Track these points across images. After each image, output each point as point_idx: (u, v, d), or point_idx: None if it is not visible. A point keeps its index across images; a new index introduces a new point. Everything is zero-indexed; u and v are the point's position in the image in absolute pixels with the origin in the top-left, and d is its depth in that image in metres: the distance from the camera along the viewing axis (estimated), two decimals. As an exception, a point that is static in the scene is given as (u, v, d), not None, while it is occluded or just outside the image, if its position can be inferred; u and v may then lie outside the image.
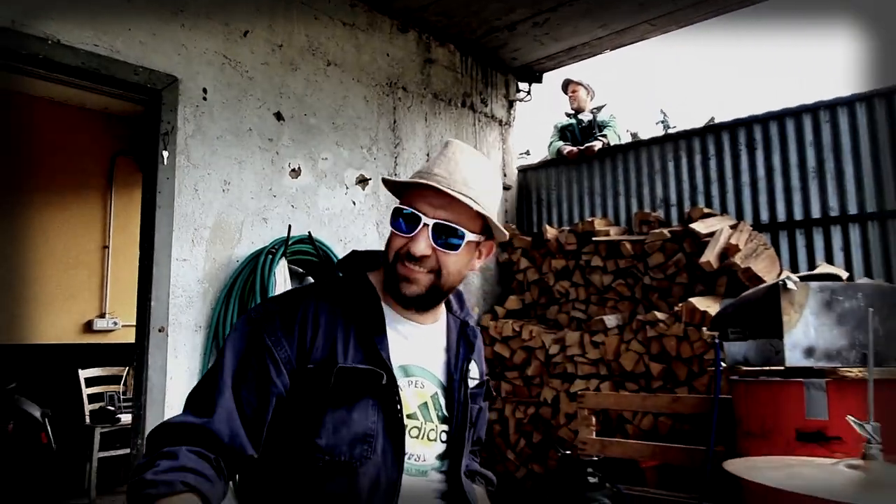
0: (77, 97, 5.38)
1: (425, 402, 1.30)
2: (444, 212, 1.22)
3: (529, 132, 5.72)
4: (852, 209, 3.77)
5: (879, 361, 2.06)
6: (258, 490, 1.23)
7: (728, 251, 3.73)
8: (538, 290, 4.77)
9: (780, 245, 4.00)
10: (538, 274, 4.77)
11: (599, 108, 5.25)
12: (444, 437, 1.31)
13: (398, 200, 1.29)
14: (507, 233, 1.32)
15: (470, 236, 1.24)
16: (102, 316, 5.67)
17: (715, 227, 3.93)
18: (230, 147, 3.38)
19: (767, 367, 2.17)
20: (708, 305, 3.55)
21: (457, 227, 1.22)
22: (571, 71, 5.37)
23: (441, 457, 1.30)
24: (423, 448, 1.27)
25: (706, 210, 4.21)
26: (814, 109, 3.96)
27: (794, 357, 2.07)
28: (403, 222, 1.23)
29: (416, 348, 1.32)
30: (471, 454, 1.60)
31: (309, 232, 3.50)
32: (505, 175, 5.25)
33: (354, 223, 3.95)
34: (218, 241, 3.30)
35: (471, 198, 1.21)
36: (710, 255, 3.72)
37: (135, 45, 3.06)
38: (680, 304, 3.72)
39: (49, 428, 4.49)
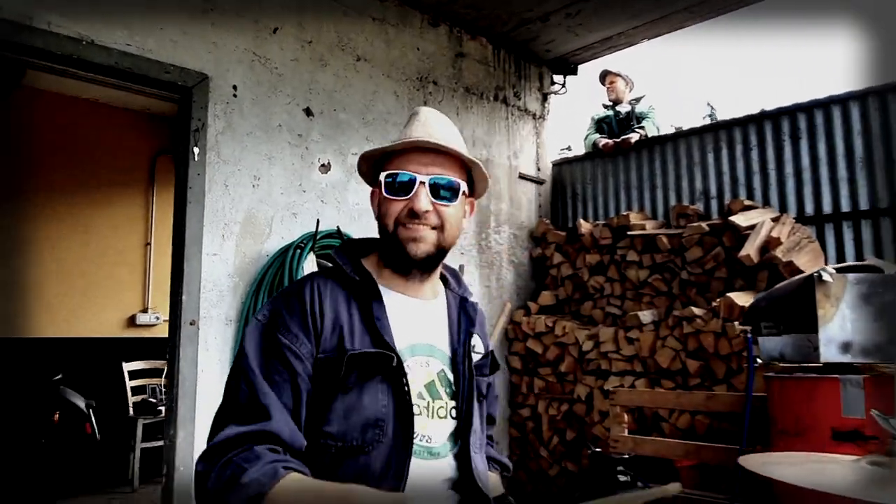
0: (120, 98, 5.54)
1: (432, 381, 1.29)
2: (435, 167, 1.26)
3: (567, 125, 5.62)
4: (904, 200, 3.58)
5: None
6: None
7: (769, 244, 3.58)
8: (572, 286, 4.69)
9: (825, 238, 3.82)
10: (572, 269, 4.69)
11: (638, 100, 5.13)
12: (454, 413, 1.30)
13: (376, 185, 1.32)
14: (489, 179, 1.39)
15: (463, 186, 1.29)
16: (145, 311, 5.84)
17: (756, 219, 3.79)
18: (260, 143, 3.42)
19: (803, 364, 2.06)
20: (747, 300, 3.41)
21: (451, 178, 1.27)
22: (609, 62, 5.27)
23: (453, 435, 1.28)
24: (434, 427, 1.26)
25: (747, 202, 4.06)
26: (862, 97, 3.77)
27: (829, 352, 1.96)
28: (397, 187, 1.26)
29: (420, 326, 1.32)
30: (488, 438, 1.58)
31: (337, 226, 3.51)
32: (539, 169, 5.17)
33: (384, 218, 3.94)
34: (248, 236, 3.34)
35: (456, 150, 1.27)
36: (749, 249, 3.58)
37: (166, 43, 3.12)
38: (718, 300, 3.60)
39: (93, 418, 4.64)
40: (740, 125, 4.29)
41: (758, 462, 1.06)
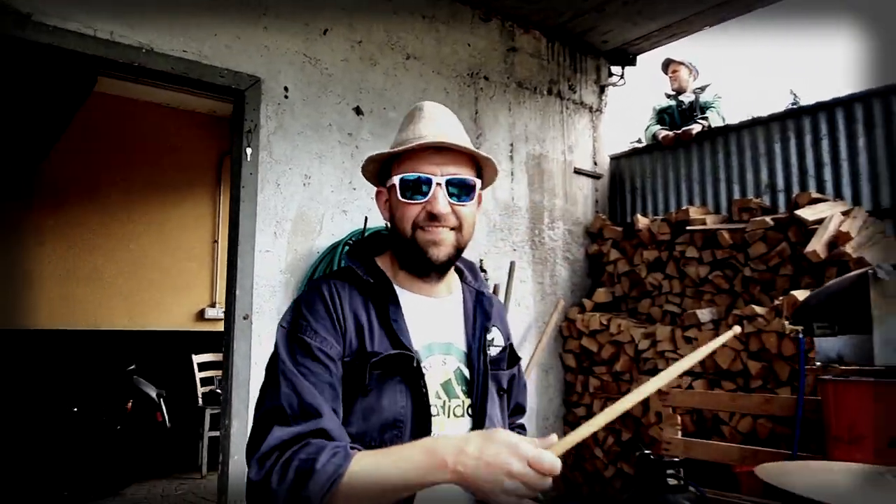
0: (189, 102, 5.81)
1: (448, 379, 1.29)
2: (449, 167, 1.24)
3: (628, 118, 5.47)
4: None
5: None
6: None
7: (838, 240, 3.37)
8: (629, 283, 4.56)
9: (903, 233, 3.56)
10: (629, 266, 4.57)
11: (703, 88, 4.93)
12: (470, 410, 1.29)
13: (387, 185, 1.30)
14: (498, 170, 1.35)
15: (478, 183, 1.28)
16: (213, 305, 6.11)
17: (824, 213, 3.57)
18: (310, 142, 3.50)
19: (860, 367, 1.93)
20: (812, 299, 3.22)
21: (466, 177, 1.25)
22: (670, 51, 5.09)
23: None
24: (451, 426, 1.25)
25: (815, 195, 3.83)
26: (946, 78, 3.49)
27: (885, 355, 1.82)
28: (412, 190, 1.24)
29: (436, 324, 1.32)
30: (516, 428, 1.56)
31: (386, 223, 3.55)
32: (595, 164, 5.06)
33: (434, 215, 3.96)
34: (299, 233, 3.43)
35: (472, 149, 1.25)
36: (816, 245, 3.38)
37: (220, 48, 3.24)
38: (781, 298, 3.42)
39: (164, 407, 4.89)
40: (809, 114, 4.05)
41: (774, 471, 1.00)
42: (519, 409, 1.58)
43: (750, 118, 4.40)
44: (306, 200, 3.47)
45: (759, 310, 3.49)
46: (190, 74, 3.11)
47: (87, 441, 4.46)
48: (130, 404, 4.64)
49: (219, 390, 5.42)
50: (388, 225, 1.33)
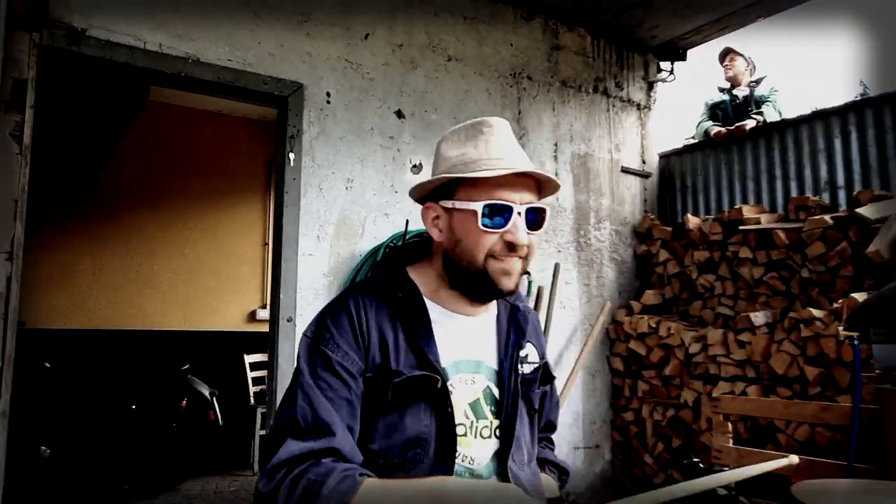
0: (240, 108, 5.97)
1: (476, 399, 1.26)
2: (525, 193, 1.20)
3: (679, 114, 5.29)
4: None
5: None
6: None
7: (903, 239, 3.18)
8: (679, 285, 4.43)
9: (977, 231, 3.32)
10: (679, 267, 4.43)
11: (758, 82, 4.73)
12: (497, 432, 1.26)
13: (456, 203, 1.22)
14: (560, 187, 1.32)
15: (547, 210, 1.24)
16: (264, 307, 6.25)
17: (888, 211, 3.37)
18: (352, 146, 3.54)
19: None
20: (874, 302, 3.05)
21: (540, 206, 1.22)
22: (721, 44, 4.91)
23: (496, 455, 1.25)
24: (477, 447, 1.22)
25: (879, 192, 3.62)
26: None
27: (947, 365, 1.70)
28: (493, 217, 1.18)
29: (466, 342, 1.28)
30: (544, 442, 1.52)
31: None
32: (644, 162, 4.93)
33: (477, 217, 3.94)
34: (342, 237, 3.46)
35: (556, 181, 1.24)
36: (879, 244, 3.20)
37: (264, 56, 3.30)
38: (840, 301, 3.25)
39: (217, 406, 5.03)
40: (872, 106, 3.84)
41: (810, 490, 0.94)
42: (549, 426, 1.53)
43: (809, 112, 4.20)
44: (348, 204, 3.50)
45: (816, 313, 3.32)
46: (235, 83, 3.19)
47: (145, 437, 4.64)
48: (185, 403, 4.79)
49: (270, 390, 5.55)
50: (444, 246, 1.24)
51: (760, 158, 4.40)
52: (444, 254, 1.25)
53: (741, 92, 4.72)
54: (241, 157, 6.29)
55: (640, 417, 4.31)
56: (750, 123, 4.43)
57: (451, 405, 1.19)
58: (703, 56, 5.08)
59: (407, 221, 3.50)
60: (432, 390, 1.18)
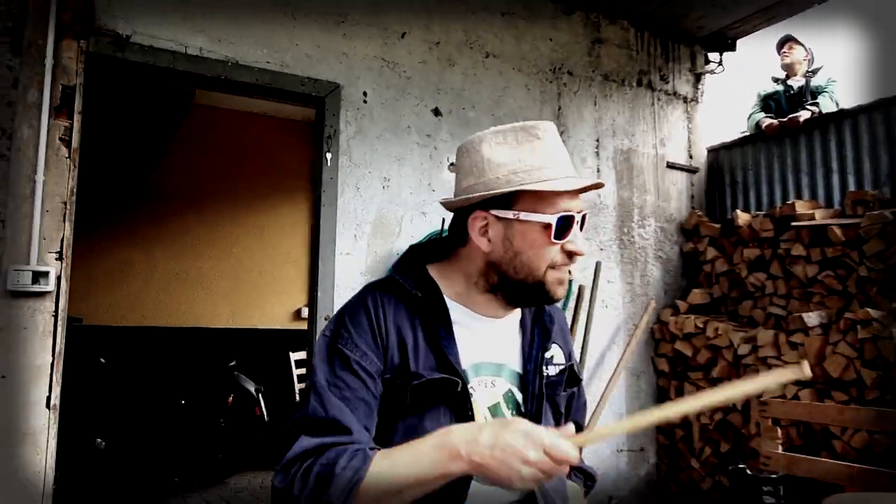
0: (284, 110, 6.07)
1: (496, 403, 1.24)
2: (580, 201, 1.20)
3: (729, 106, 5.09)
4: None
5: None
6: None
7: (971, 235, 2.98)
8: (728, 283, 4.27)
9: None
10: (728, 265, 4.27)
11: (814, 72, 4.51)
12: None
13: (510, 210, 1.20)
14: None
15: (587, 214, 1.24)
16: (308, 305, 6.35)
17: (954, 205, 3.17)
18: (389, 145, 3.54)
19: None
20: (938, 302, 2.87)
21: (586, 212, 1.22)
22: (773, 33, 4.70)
23: None
24: None
25: (945, 185, 3.41)
26: None
27: None
28: (562, 229, 1.16)
29: (489, 344, 1.26)
30: None
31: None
32: (691, 157, 4.78)
33: (516, 215, 3.89)
34: (378, 236, 3.47)
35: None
36: (943, 240, 3.01)
37: (301, 58, 3.34)
38: (900, 301, 3.07)
39: (262, 402, 5.13)
40: (938, 93, 3.61)
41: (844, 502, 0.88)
42: (578, 429, 1.50)
43: (870, 101, 3.97)
44: (385, 203, 3.51)
45: (874, 313, 3.15)
46: (273, 84, 3.23)
47: (194, 432, 4.77)
48: (231, 398, 4.90)
49: (314, 387, 5.62)
50: (492, 256, 1.20)
51: (815, 151, 4.20)
52: (488, 262, 1.21)
53: (796, 82, 4.52)
54: (285, 158, 6.40)
55: (686, 421, 4.18)
56: (805, 114, 4.23)
57: (471, 409, 1.17)
58: (755, 46, 4.88)
59: (443, 220, 3.48)
60: (452, 393, 1.16)
